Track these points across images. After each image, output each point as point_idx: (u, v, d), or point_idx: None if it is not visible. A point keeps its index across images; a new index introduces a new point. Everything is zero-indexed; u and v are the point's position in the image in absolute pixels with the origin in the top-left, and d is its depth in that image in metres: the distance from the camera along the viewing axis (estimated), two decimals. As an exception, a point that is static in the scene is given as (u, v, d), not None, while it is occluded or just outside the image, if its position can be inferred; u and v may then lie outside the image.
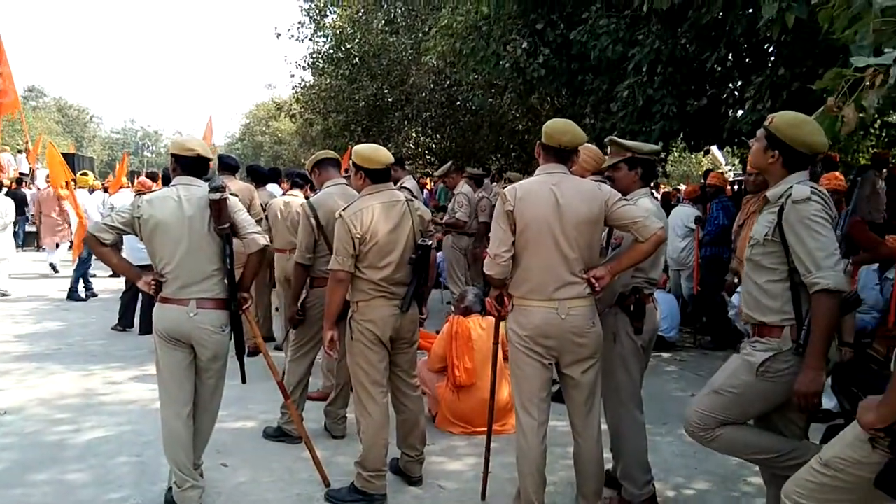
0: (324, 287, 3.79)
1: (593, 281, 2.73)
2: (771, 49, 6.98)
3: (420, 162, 17.23)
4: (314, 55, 17.13)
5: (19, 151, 20.62)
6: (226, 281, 3.09)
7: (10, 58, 14.98)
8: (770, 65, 6.41)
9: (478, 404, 4.09)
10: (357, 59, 15.23)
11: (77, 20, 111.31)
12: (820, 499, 1.97)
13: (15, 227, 14.25)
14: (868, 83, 2.49)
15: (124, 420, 4.37)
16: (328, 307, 3.23)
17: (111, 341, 6.57)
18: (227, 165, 6.10)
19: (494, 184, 12.02)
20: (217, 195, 2.97)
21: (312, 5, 16.69)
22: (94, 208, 9.93)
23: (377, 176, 3.25)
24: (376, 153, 3.26)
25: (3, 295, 9.08)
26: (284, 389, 3.56)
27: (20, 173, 18.54)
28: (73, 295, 8.89)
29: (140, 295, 6.86)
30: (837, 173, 5.41)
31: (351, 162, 3.31)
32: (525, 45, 8.09)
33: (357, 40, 14.97)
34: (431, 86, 13.65)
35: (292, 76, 18.56)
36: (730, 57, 7.27)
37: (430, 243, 3.27)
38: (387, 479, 3.28)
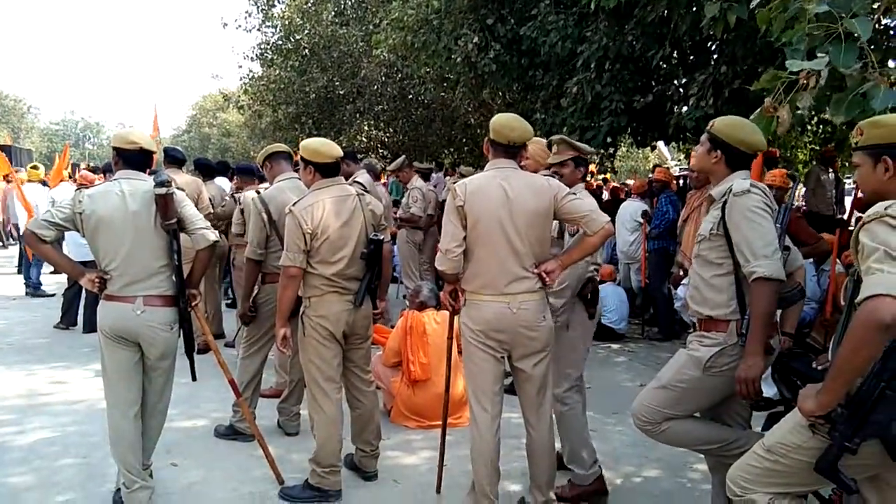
0: (276, 283, 3.75)
1: (544, 275, 2.78)
2: (714, 47, 7.21)
3: (372, 155, 17.13)
4: (262, 46, 16.82)
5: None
6: (174, 277, 3.03)
7: None
8: (713, 63, 6.61)
9: (433, 398, 4.13)
10: (307, 50, 15.03)
11: (13, 6, 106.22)
12: (764, 482, 2.07)
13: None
14: (802, 84, 2.62)
15: (69, 420, 4.25)
16: (280, 303, 3.20)
17: (54, 339, 6.36)
18: (174, 159, 5.95)
19: (447, 178, 12.08)
20: (163, 190, 2.90)
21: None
22: (46, 203, 9.52)
23: (327, 170, 3.24)
24: (325, 147, 3.24)
25: None
26: (236, 387, 3.51)
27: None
28: (38, 291, 8.73)
29: (83, 292, 6.65)
30: (780, 170, 5.65)
31: (299, 156, 3.28)
32: (476, 39, 8.14)
33: (307, 31, 14.77)
34: (383, 79, 13.59)
35: (240, 67, 18.15)
36: (674, 55, 7.47)
37: (382, 237, 3.27)
38: (342, 474, 3.28)
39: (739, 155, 2.53)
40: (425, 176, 7.83)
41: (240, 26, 16.81)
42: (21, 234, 9.30)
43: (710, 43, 7.15)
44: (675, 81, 7.34)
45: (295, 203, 3.15)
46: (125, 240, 2.92)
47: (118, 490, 3.11)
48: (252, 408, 3.87)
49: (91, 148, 53.42)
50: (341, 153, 3.28)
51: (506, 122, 2.83)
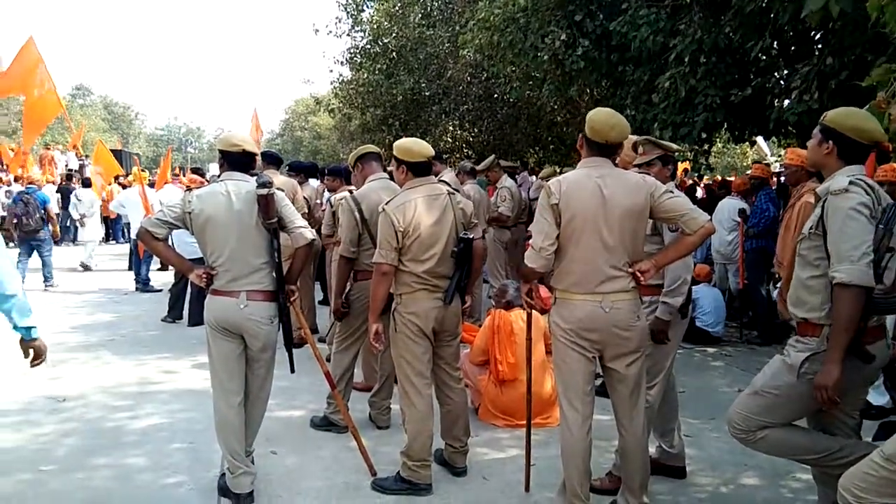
0: (367, 280, 3.87)
1: (638, 274, 2.72)
2: (818, 37, 6.80)
3: (457, 155, 17.24)
4: (352, 50, 17.30)
5: (62, 152, 21.26)
6: (274, 274, 3.18)
7: (58, 58, 15.41)
8: (817, 54, 6.25)
9: (521, 398, 4.08)
10: (394, 53, 15.34)
11: (122, 19, 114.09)
12: (881, 492, 1.97)
13: (65, 222, 14.79)
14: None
15: (177, 408, 4.53)
16: (373, 300, 3.29)
17: (162, 332, 6.79)
18: (272, 160, 6.22)
19: (532, 176, 11.98)
20: (265, 190, 3.04)
21: (350, 0, 16.81)
22: (158, 203, 10.17)
23: (418, 169, 3.30)
24: (417, 147, 3.30)
25: (86, 268, 11.08)
26: (331, 379, 3.64)
27: (69, 169, 19.22)
28: (147, 287, 9.33)
29: (189, 288, 7.07)
30: (893, 164, 5.26)
31: (392, 156, 3.36)
32: (564, 36, 8.04)
33: (394, 35, 15.08)
34: (469, 79, 13.65)
35: (331, 71, 18.64)
36: (775, 45, 7.10)
37: (472, 236, 3.30)
38: (432, 469, 3.33)
39: (853, 145, 2.39)
40: (511, 174, 7.82)
41: (330, 32, 17.33)
42: (133, 233, 9.97)
43: (813, 32, 6.74)
44: (776, 74, 6.98)
45: (388, 202, 3.23)
46: (230, 238, 3.08)
47: (223, 475, 3.29)
48: (345, 400, 3.99)
49: (193, 152, 56.62)
50: (433, 152, 3.33)
51: (604, 121, 2.76)
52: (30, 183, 10.50)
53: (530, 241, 2.81)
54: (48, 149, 21.57)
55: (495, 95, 13.47)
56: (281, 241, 3.18)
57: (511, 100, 13.47)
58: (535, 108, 12.86)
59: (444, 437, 3.52)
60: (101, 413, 4.39)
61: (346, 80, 18.26)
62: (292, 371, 3.40)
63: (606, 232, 2.68)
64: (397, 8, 14.89)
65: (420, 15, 14.35)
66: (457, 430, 3.49)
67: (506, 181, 7.13)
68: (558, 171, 9.74)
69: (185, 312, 7.15)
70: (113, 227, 17.07)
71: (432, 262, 3.21)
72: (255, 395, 3.29)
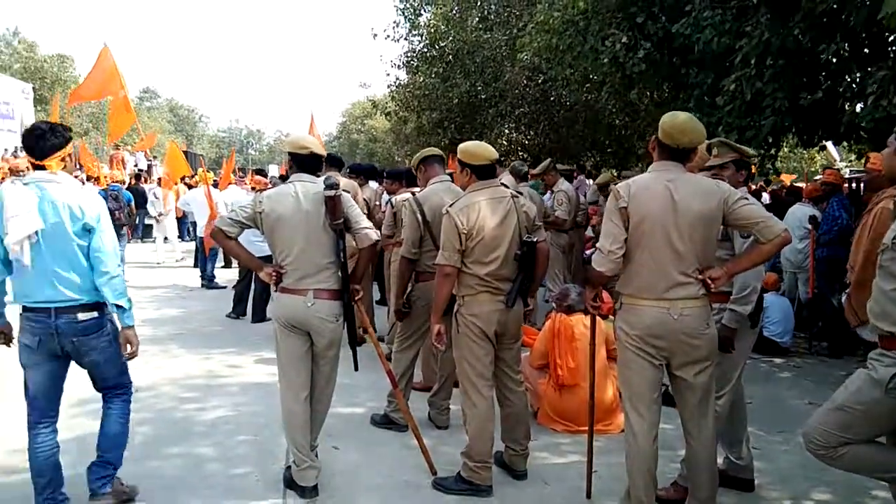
0: (428, 281, 3.92)
1: (709, 281, 2.67)
2: (893, 39, 6.51)
3: (512, 158, 17.20)
4: (409, 54, 17.49)
5: (131, 153, 22.17)
6: (339, 273, 3.25)
7: (127, 62, 16.18)
8: (893, 56, 5.98)
9: (581, 403, 4.07)
10: (450, 56, 15.43)
11: (186, 23, 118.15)
12: None
13: (136, 220, 15.41)
14: None
15: (242, 401, 4.67)
16: (436, 301, 3.32)
17: (226, 328, 7.01)
18: (333, 162, 6.35)
19: (589, 180, 11.84)
20: (332, 192, 3.12)
21: (407, 4, 16.99)
22: (222, 203, 10.50)
23: (483, 172, 3.32)
24: (482, 150, 3.32)
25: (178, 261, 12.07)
26: (393, 378, 3.69)
27: (139, 169, 20.04)
28: (212, 284, 9.63)
29: (252, 285, 7.28)
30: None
31: (456, 159, 3.39)
32: (624, 39, 7.93)
33: (451, 38, 15.17)
34: (525, 82, 13.60)
35: (387, 75, 18.86)
36: (847, 48, 6.83)
37: (535, 239, 3.30)
38: (492, 471, 3.34)
39: None
40: (568, 178, 7.77)
41: (388, 36, 17.54)
42: (199, 231, 10.31)
43: (889, 34, 6.46)
44: (848, 77, 6.72)
45: (452, 204, 3.26)
46: (298, 237, 3.17)
47: (288, 467, 3.38)
48: (405, 399, 4.05)
49: (253, 153, 58.26)
50: (496, 156, 3.35)
51: (679, 126, 2.72)
52: (115, 182, 11.01)
53: (598, 245, 2.79)
54: (118, 149, 22.53)
55: (552, 98, 13.38)
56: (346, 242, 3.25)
57: (568, 103, 13.39)
58: (593, 112, 12.72)
59: (504, 440, 3.52)
60: (172, 404, 4.57)
61: (402, 83, 18.48)
62: (356, 369, 3.47)
63: (676, 237, 2.64)
64: (455, 12, 14.98)
65: (477, 18, 14.39)
66: (517, 433, 3.49)
67: (562, 184, 7.08)
68: (615, 175, 9.60)
69: (249, 309, 7.35)
70: (179, 226, 17.71)
71: (495, 264, 3.22)
72: (320, 391, 3.37)
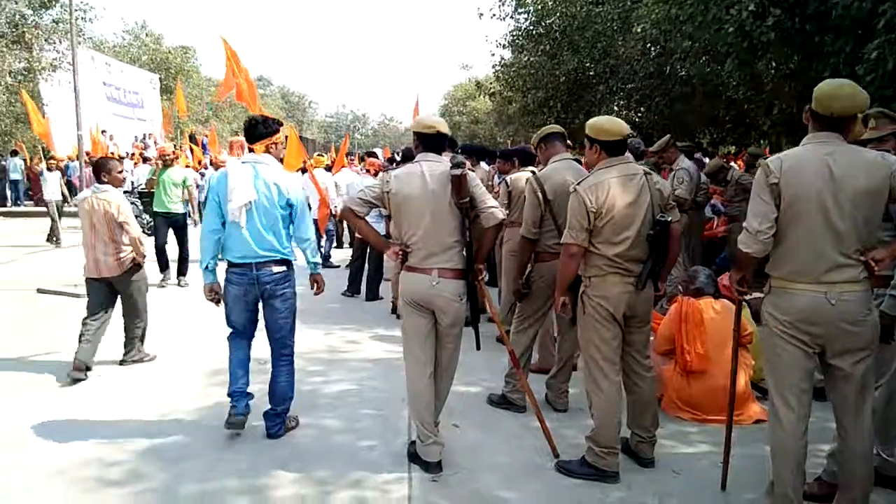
0: (549, 262, 3.86)
1: (871, 263, 2.44)
2: None
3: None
4: (514, 33, 17.26)
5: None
6: (464, 252, 3.24)
7: (244, 52, 17.02)
8: None
9: (710, 391, 3.91)
10: (557, 33, 15.08)
11: (296, 11, 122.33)
12: None
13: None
14: None
15: (364, 376, 4.81)
16: (560, 280, 3.25)
17: (342, 305, 7.24)
18: (449, 142, 6.36)
19: (706, 158, 11.23)
20: (458, 171, 3.10)
21: (515, -19, 16.72)
22: (332, 186, 10.86)
23: (613, 148, 3.19)
24: (612, 124, 3.20)
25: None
26: (516, 359, 3.67)
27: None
28: (326, 263, 9.97)
29: (366, 265, 7.48)
30: None
31: (585, 136, 3.27)
32: (752, 6, 7.40)
33: (558, 14, 14.80)
34: (638, 56, 13.06)
35: (492, 55, 18.69)
36: None
37: (669, 219, 3.14)
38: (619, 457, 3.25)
39: None
40: (688, 155, 7.39)
41: (494, 15, 17.35)
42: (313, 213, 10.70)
43: None
44: None
45: (580, 182, 3.16)
46: (425, 216, 3.19)
47: (412, 442, 3.44)
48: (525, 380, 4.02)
49: (359, 137, 59.76)
50: (628, 130, 3.20)
51: (828, 91, 2.50)
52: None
53: (745, 224, 2.60)
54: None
55: (667, 72, 12.77)
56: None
57: (686, 77, 12.74)
58: (713, 86, 12.01)
59: (630, 426, 3.41)
60: (299, 377, 4.70)
61: (507, 62, 18.29)
62: (478, 348, 3.47)
63: (836, 215, 2.42)
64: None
65: (588, -8, 13.91)
66: (645, 419, 3.37)
67: (683, 162, 6.72)
68: (729, 155, 8.97)
69: (363, 288, 7.56)
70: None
71: (626, 244, 3.10)
72: (443, 368, 3.40)
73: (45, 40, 18.81)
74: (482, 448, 3.63)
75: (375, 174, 7.75)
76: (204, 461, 3.45)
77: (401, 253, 3.25)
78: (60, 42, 19.01)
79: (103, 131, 19.66)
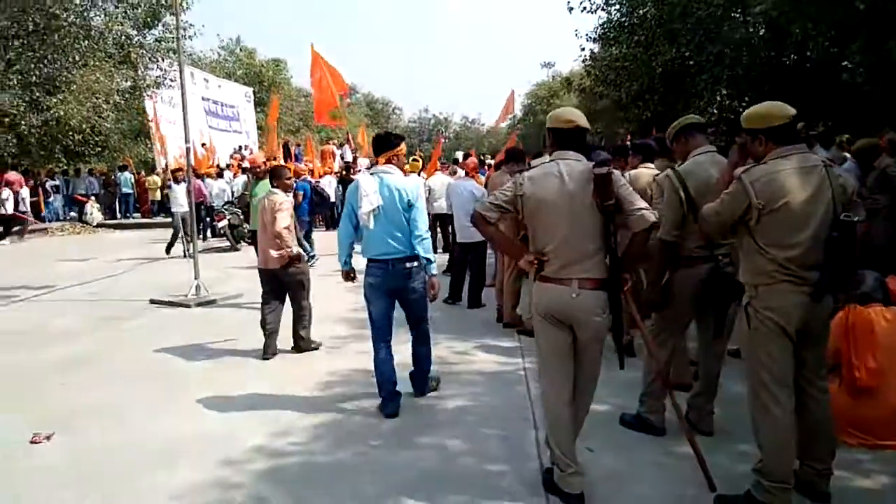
0: (692, 268, 3.48)
1: None
2: None
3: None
4: (605, 25, 16.66)
5: (341, 145, 23.73)
6: (607, 260, 2.91)
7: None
8: None
9: (885, 412, 3.40)
10: (653, 23, 14.41)
11: (376, 17, 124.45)
12: None
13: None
14: None
15: (479, 391, 4.56)
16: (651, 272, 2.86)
17: (445, 314, 7.00)
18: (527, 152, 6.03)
19: (823, 150, 10.31)
20: (603, 169, 2.78)
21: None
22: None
23: (783, 135, 2.77)
24: (776, 108, 2.79)
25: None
26: (667, 379, 3.29)
27: (345, 161, 21.38)
28: None
29: (468, 271, 7.24)
30: None
31: (744, 130, 2.87)
32: None
33: (651, 3, 14.14)
34: (749, 40, 12.20)
35: (582, 49, 18.20)
36: None
37: (855, 219, 2.69)
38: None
39: None
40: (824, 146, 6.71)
41: (584, 8, 16.80)
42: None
43: None
44: None
45: (747, 168, 2.77)
46: (563, 221, 2.88)
47: (548, 469, 3.14)
48: (657, 400, 3.65)
49: (443, 141, 59.86)
50: (794, 112, 2.77)
51: None
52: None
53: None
54: (327, 144, 24.28)
55: (779, 57, 11.86)
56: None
57: (798, 61, 11.81)
58: (832, 70, 11.04)
59: (800, 457, 2.96)
60: (411, 390, 4.55)
61: (597, 57, 17.68)
62: (622, 367, 3.11)
63: None
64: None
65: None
66: (819, 448, 2.92)
67: (820, 154, 6.09)
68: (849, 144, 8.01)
69: (465, 294, 7.33)
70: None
71: (801, 248, 2.68)
72: (581, 388, 3.07)
73: (150, 59, 19.77)
74: (624, 477, 3.27)
75: (472, 175, 7.53)
76: (325, 483, 3.27)
77: (536, 262, 2.95)
78: (163, 60, 19.96)
79: (203, 144, 20.49)
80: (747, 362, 2.87)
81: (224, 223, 13.47)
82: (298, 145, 27.07)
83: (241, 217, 14.04)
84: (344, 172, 17.69)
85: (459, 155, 22.42)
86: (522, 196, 2.95)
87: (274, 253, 5.36)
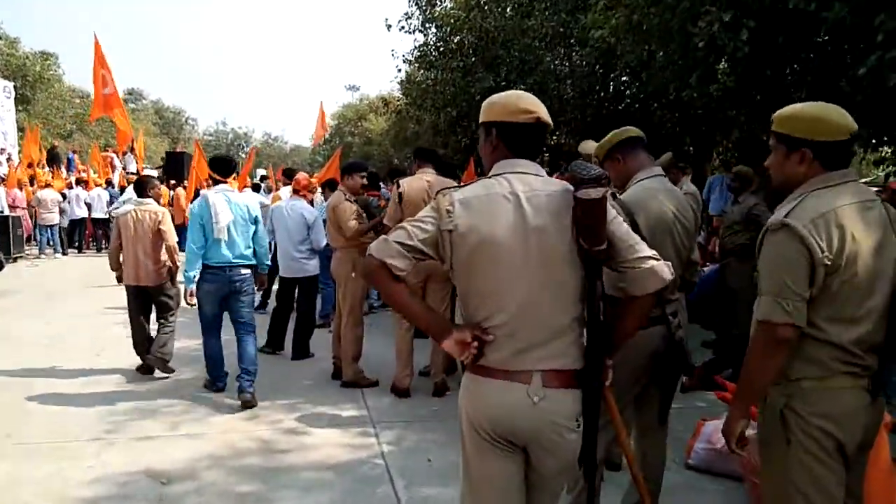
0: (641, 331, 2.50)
1: None
2: None
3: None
4: (422, 48, 16.16)
5: (124, 153, 20.57)
6: (583, 338, 1.80)
7: (112, 61, 15.08)
8: None
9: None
10: (471, 49, 14.14)
11: (173, 22, 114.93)
12: None
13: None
14: None
15: (330, 500, 3.19)
16: (752, 382, 1.88)
17: (265, 367, 5.43)
18: (425, 156, 4.94)
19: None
20: (598, 192, 1.67)
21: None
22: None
23: (836, 156, 1.87)
24: (837, 115, 1.85)
25: None
26: (644, 490, 2.24)
27: (128, 172, 18.44)
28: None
29: (293, 310, 5.80)
30: None
31: (773, 133, 1.94)
32: (726, 17, 6.54)
33: (468, 28, 13.82)
34: (576, 70, 12.19)
35: (399, 70, 17.63)
36: None
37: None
38: None
39: None
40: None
41: (402, 28, 16.14)
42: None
43: None
44: None
45: (789, 211, 1.82)
46: (520, 277, 1.73)
47: None
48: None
49: (242, 157, 56.17)
50: (856, 127, 1.89)
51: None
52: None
53: None
54: (106, 152, 20.91)
55: (603, 88, 11.95)
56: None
57: (622, 92, 12.02)
58: (661, 102, 11.25)
59: None
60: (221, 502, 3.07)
61: (415, 80, 17.09)
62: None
63: None
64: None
65: (516, 3, 12.97)
66: None
67: (688, 186, 5.68)
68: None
69: (287, 341, 5.87)
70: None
71: (868, 323, 1.80)
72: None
73: None
74: None
75: (304, 195, 6.04)
76: None
77: (475, 345, 1.75)
78: None
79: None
80: (783, 492, 1.90)
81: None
82: (75, 152, 23.14)
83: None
84: (126, 184, 14.96)
85: (262, 172, 20.51)
86: (452, 232, 1.74)
87: (151, 268, 5.13)
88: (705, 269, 6.51)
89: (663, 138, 11.78)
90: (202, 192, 5.57)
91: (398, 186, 4.55)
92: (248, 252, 4.63)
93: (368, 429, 4.12)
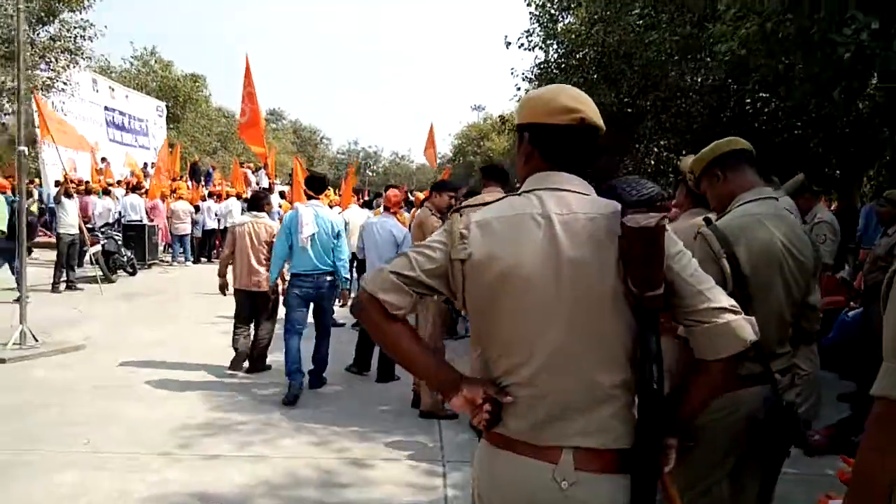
0: (737, 391, 2.02)
1: None
2: None
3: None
4: (542, 66, 15.76)
5: (257, 169, 21.82)
6: (635, 408, 1.38)
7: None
8: None
9: None
10: (593, 66, 13.58)
11: (313, 46, 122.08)
12: None
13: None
14: None
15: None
16: (866, 482, 1.36)
17: (347, 389, 5.28)
18: (493, 175, 4.61)
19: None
20: (650, 219, 1.26)
21: (544, 11, 15.30)
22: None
23: None
24: None
25: None
26: None
27: (261, 188, 19.49)
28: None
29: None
30: None
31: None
32: (875, 24, 5.68)
33: (591, 44, 13.27)
34: (702, 86, 11.36)
35: (518, 89, 17.34)
36: None
37: None
38: None
39: None
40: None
41: (522, 45, 15.86)
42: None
43: None
44: None
45: None
46: (551, 320, 1.34)
47: None
48: None
49: (370, 175, 58.14)
50: None
51: None
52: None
53: None
54: (242, 166, 22.30)
55: (733, 104, 11.00)
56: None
57: (755, 110, 11.01)
58: (794, 120, 10.20)
59: None
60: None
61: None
62: None
63: None
64: (610, 13, 12.93)
65: (638, 16, 12.30)
66: None
67: (823, 213, 4.90)
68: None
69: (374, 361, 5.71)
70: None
71: None
72: None
73: (40, 57, 17.40)
74: None
75: (395, 212, 5.85)
76: None
77: (489, 402, 1.38)
78: (57, 61, 17.61)
79: (103, 158, 18.20)
80: None
81: (97, 248, 11.03)
82: (214, 167, 24.88)
83: (120, 242, 11.87)
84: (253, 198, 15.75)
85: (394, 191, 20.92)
86: (465, 262, 1.39)
87: (263, 275, 5.63)
88: (850, 313, 5.59)
89: (806, 159, 10.64)
90: (296, 204, 6.17)
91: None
92: (331, 262, 5.19)
93: (437, 467, 3.81)
